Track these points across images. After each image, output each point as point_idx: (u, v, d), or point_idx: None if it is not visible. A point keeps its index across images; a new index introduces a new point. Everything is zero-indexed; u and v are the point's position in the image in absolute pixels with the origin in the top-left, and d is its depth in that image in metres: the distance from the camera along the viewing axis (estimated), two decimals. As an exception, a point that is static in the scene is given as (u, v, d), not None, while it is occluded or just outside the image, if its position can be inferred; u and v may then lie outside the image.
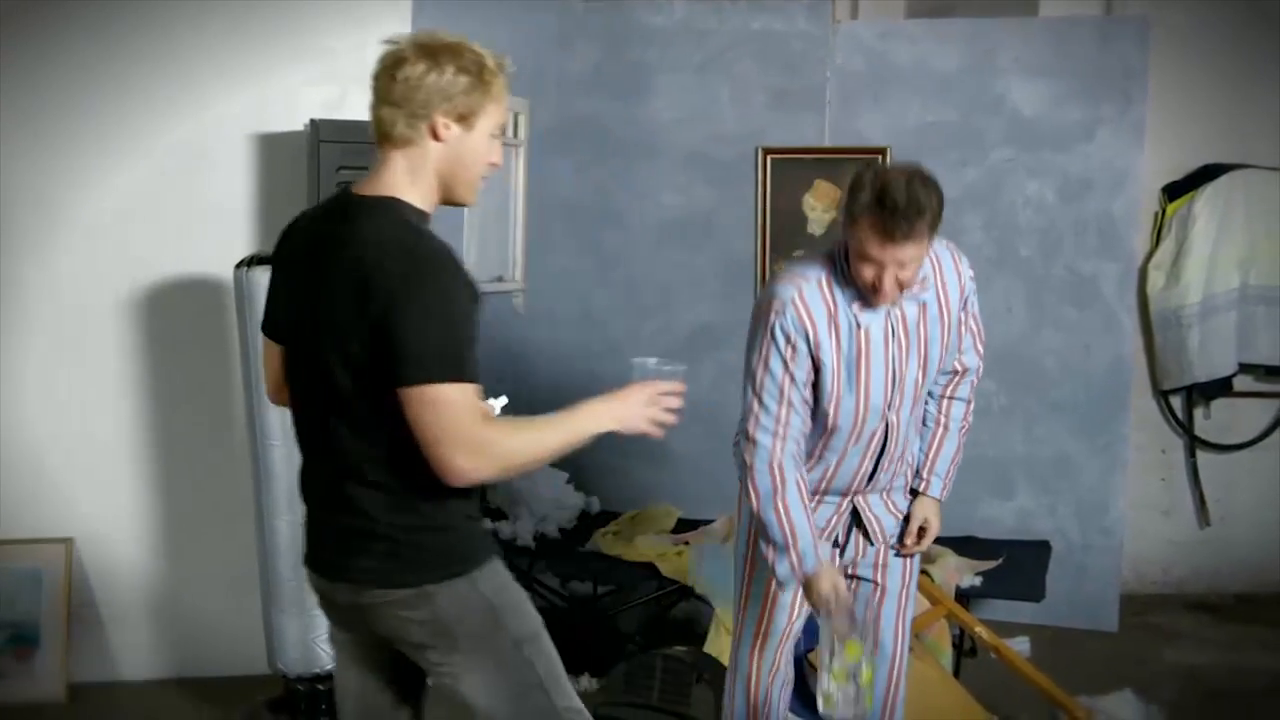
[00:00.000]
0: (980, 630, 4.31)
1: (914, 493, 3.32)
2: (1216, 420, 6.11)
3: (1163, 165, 5.92)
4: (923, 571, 4.63)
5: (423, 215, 2.43)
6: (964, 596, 4.75)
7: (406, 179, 2.41)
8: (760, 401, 3.05)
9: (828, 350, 3.00)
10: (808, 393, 3.04)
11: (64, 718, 4.43)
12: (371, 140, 2.38)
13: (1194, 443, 6.08)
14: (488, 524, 5.11)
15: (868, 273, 2.91)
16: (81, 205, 4.54)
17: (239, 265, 3.86)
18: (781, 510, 3.02)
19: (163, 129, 4.56)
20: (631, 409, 2.53)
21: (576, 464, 5.78)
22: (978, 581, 4.74)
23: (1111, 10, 5.85)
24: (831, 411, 3.05)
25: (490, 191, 5.45)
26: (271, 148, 4.60)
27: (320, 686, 3.96)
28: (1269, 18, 5.92)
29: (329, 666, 3.91)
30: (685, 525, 5.43)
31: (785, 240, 5.68)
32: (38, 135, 4.49)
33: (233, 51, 4.58)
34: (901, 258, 2.85)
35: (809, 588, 3.03)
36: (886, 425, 3.12)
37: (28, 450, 4.55)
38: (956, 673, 4.65)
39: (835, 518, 3.22)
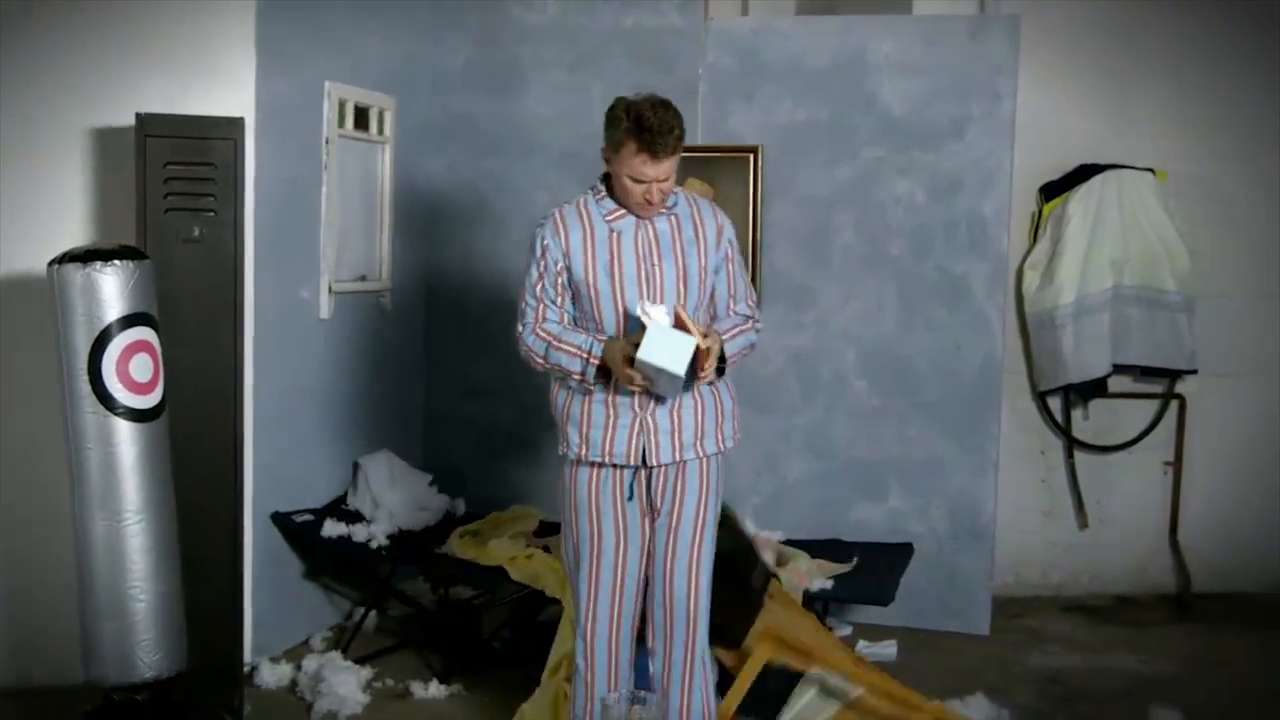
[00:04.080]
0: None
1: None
2: (1096, 421, 6.09)
3: (1040, 165, 5.91)
4: (772, 575, 4.58)
5: None
6: (815, 600, 4.68)
7: None
8: (523, 301, 3.58)
9: (578, 252, 3.49)
10: (560, 291, 3.52)
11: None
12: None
13: (1072, 444, 6.05)
14: (343, 528, 5.02)
15: (638, 191, 3.41)
16: (-90, 201, 4.42)
17: (52, 263, 3.73)
18: (560, 344, 3.48)
19: (-8, 122, 4.46)
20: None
21: (441, 466, 5.72)
22: (829, 585, 4.68)
23: (985, 8, 5.82)
24: (592, 301, 3.50)
25: (354, 189, 5.38)
26: (105, 143, 4.48)
27: (138, 696, 3.83)
28: (1143, 17, 5.92)
29: (147, 676, 3.81)
30: (552, 527, 5.35)
31: (656, 239, 5.60)
32: None
33: (67, 44, 4.47)
34: (662, 172, 3.39)
35: (609, 359, 3.41)
36: None
37: None
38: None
39: (632, 439, 3.50)
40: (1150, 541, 6.13)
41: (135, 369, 3.75)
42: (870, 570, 4.89)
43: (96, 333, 3.69)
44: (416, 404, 5.95)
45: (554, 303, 3.54)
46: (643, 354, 3.26)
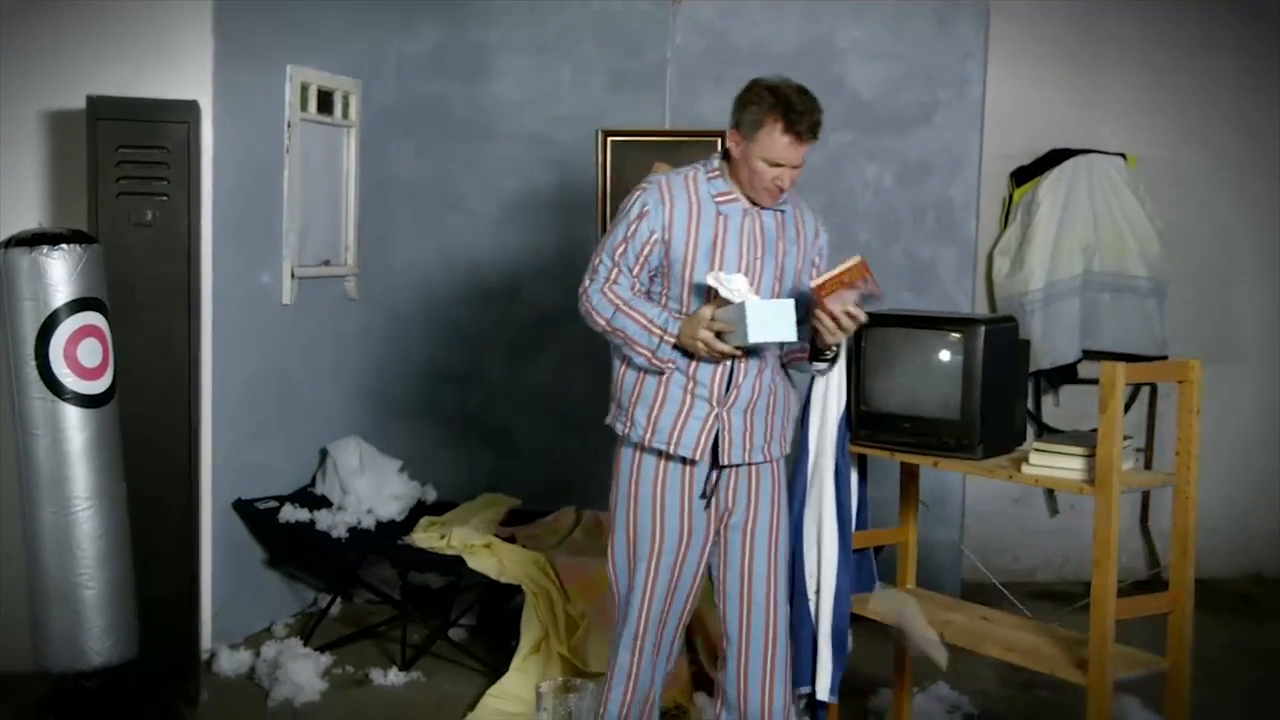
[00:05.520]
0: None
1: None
2: (1067, 408, 6.08)
3: (1011, 150, 5.90)
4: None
5: None
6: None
7: None
8: (598, 257, 3.40)
9: (680, 228, 3.31)
10: (640, 262, 3.34)
11: None
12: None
13: (1042, 430, 6.03)
14: (305, 514, 4.99)
15: (769, 175, 3.25)
16: None
17: (-2, 246, 3.71)
18: (629, 310, 3.32)
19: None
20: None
21: (409, 453, 5.68)
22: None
23: (955, -8, 5.80)
24: (684, 281, 3.32)
25: (319, 173, 5.34)
26: (58, 126, 4.45)
27: (87, 684, 3.81)
28: (1112, 3, 5.90)
29: (97, 663, 3.79)
30: (522, 516, 5.33)
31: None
32: None
33: (20, 25, 4.44)
34: (799, 158, 3.25)
35: (686, 335, 3.27)
36: None
37: None
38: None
39: (702, 434, 3.35)
40: (1121, 528, 6.09)
41: (84, 354, 3.73)
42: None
43: (44, 317, 3.67)
44: (383, 390, 5.91)
45: (630, 270, 3.36)
46: (754, 337, 3.10)
